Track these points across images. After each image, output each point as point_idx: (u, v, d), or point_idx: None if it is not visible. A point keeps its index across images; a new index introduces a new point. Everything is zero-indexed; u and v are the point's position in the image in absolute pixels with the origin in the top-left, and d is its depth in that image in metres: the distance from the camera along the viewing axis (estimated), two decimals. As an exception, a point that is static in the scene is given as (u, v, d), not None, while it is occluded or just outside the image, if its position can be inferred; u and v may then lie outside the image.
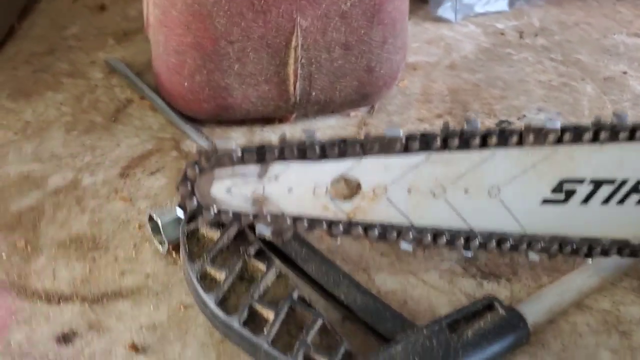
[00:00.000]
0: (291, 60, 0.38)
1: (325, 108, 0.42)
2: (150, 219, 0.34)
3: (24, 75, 0.49)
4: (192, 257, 0.30)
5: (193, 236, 0.32)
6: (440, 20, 0.59)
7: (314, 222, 0.25)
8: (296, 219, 0.25)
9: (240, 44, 0.37)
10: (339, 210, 0.25)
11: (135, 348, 0.30)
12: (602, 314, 0.33)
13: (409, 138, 0.24)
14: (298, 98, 0.40)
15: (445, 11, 0.58)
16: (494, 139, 0.24)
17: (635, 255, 0.29)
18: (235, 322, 0.28)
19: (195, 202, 0.25)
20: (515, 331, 0.30)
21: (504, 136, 0.26)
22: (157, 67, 0.43)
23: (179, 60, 0.40)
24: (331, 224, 0.25)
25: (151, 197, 0.38)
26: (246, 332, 0.28)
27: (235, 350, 0.30)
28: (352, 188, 0.25)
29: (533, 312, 0.30)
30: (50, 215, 0.37)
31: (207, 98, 0.40)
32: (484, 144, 0.24)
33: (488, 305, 0.30)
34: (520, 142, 0.24)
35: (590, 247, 0.28)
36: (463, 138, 0.24)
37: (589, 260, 0.31)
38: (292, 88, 0.40)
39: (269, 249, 0.31)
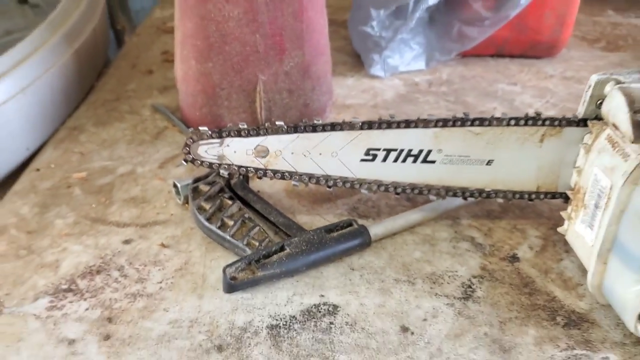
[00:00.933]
0: (257, 99, 0.66)
1: (281, 128, 0.69)
2: (174, 185, 0.61)
3: (102, 113, 0.78)
4: (194, 199, 0.57)
5: (195, 190, 0.59)
6: (374, 77, 0.86)
7: (247, 169, 0.52)
8: (239, 166, 0.52)
9: (227, 90, 0.65)
10: (259, 163, 0.51)
11: (163, 245, 0.57)
12: (423, 235, 0.58)
13: (289, 127, 0.51)
14: (263, 121, 0.68)
15: (376, 70, 0.84)
16: (328, 127, 0.51)
17: (421, 193, 0.54)
18: (214, 227, 0.54)
19: (190, 157, 0.52)
20: (362, 236, 0.55)
21: (336, 125, 0.52)
22: (182, 105, 0.71)
23: (193, 100, 0.67)
24: (256, 170, 0.52)
25: (175, 178, 0.65)
26: (218, 231, 0.54)
27: (214, 244, 0.56)
28: (265, 151, 0.51)
29: (375, 228, 0.56)
30: (118, 187, 0.65)
31: (210, 122, 0.67)
32: (325, 130, 0.51)
33: (349, 223, 0.56)
34: (342, 129, 0.51)
35: (395, 188, 0.54)
36: (315, 126, 0.51)
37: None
38: (259, 116, 0.67)
39: (235, 196, 0.58)
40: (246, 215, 0.55)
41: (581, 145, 0.50)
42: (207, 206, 0.56)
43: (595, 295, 0.49)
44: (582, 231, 0.50)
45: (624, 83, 0.48)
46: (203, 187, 0.58)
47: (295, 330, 0.48)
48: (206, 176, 0.58)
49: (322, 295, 0.51)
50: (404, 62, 0.84)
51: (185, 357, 0.45)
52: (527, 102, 0.79)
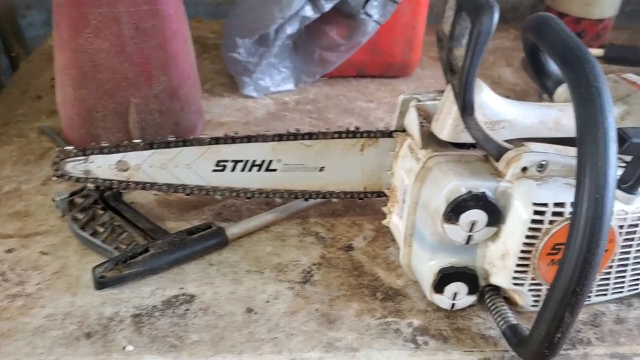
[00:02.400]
0: (131, 120, 0.74)
1: (155, 145, 0.77)
2: (53, 199, 0.68)
3: (-11, 137, 0.84)
4: (70, 210, 0.65)
5: (71, 203, 0.66)
6: (248, 97, 0.96)
7: (112, 182, 0.60)
8: (104, 180, 0.60)
9: (102, 113, 0.72)
10: (122, 176, 0.60)
11: (43, 253, 0.63)
12: (276, 233, 0.68)
13: (146, 143, 0.60)
14: (138, 139, 0.76)
15: (249, 91, 0.93)
16: (181, 143, 0.60)
17: (267, 197, 0.64)
18: (86, 234, 0.62)
19: (59, 173, 0.59)
20: (219, 236, 0.64)
21: (187, 141, 0.61)
22: (63, 127, 0.78)
23: (72, 122, 0.74)
24: (120, 182, 0.60)
25: (56, 193, 0.72)
26: (90, 238, 0.61)
27: (89, 250, 0.63)
28: (126, 165, 0.60)
29: (231, 229, 0.65)
30: (4, 203, 0.71)
31: (88, 142, 0.73)
32: (178, 145, 0.60)
33: (208, 225, 0.65)
34: (193, 144, 0.60)
35: (245, 193, 0.63)
36: (169, 142, 0.60)
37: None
38: (134, 135, 0.75)
39: (107, 206, 0.66)
40: (116, 223, 0.63)
41: (392, 153, 0.61)
42: (81, 216, 0.63)
43: (407, 273, 0.60)
44: (397, 222, 0.61)
45: (421, 101, 0.60)
46: (78, 200, 0.65)
47: (155, 317, 0.56)
48: (81, 190, 0.65)
49: (182, 288, 0.59)
50: (275, 83, 0.94)
51: (57, 344, 0.53)
52: (380, 117, 0.91)
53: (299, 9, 0.83)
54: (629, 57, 1.07)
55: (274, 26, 0.82)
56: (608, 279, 0.56)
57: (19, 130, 0.84)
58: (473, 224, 0.52)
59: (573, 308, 0.45)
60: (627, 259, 0.55)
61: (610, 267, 0.55)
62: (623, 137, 0.47)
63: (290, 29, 0.85)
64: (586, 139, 0.44)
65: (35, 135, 0.83)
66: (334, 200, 0.65)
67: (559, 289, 0.45)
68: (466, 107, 0.48)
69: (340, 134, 0.61)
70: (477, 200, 0.51)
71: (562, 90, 0.63)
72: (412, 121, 0.58)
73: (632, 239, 0.53)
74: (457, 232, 0.52)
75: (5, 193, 0.71)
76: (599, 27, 1.09)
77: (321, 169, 0.63)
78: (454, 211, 0.51)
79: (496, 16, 0.45)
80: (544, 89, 0.65)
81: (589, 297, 0.57)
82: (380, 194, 0.65)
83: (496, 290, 0.56)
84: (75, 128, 0.73)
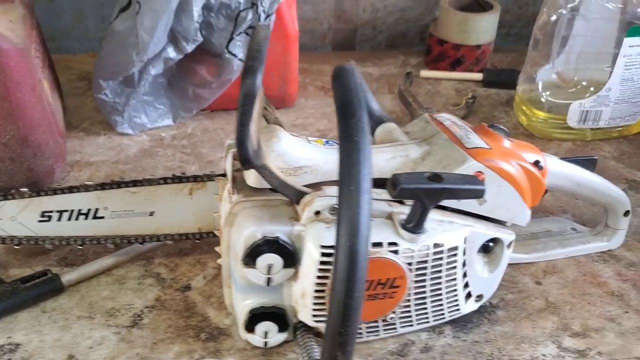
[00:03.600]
0: (-19, 169, 0.75)
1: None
2: None
3: None
4: None
5: None
6: (124, 134, 0.97)
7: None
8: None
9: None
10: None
11: None
12: (117, 276, 0.69)
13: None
14: (-9, 186, 0.77)
15: (124, 129, 0.95)
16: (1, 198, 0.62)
17: (99, 243, 0.66)
18: None
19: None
20: (53, 283, 0.65)
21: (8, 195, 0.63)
22: None
23: None
24: None
25: None
26: None
27: None
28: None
29: (68, 275, 0.66)
30: None
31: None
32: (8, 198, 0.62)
33: (44, 273, 0.66)
34: (14, 197, 0.62)
35: (75, 241, 0.65)
36: None
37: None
38: (-15, 182, 0.76)
39: None
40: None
41: (215, 196, 0.64)
42: None
43: (232, 313, 0.62)
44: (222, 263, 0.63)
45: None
46: None
47: (-24, 368, 0.57)
48: None
49: (9, 337, 0.61)
50: (151, 120, 0.95)
51: None
52: (251, 150, 0.93)
53: (160, 51, 0.85)
54: (505, 80, 1.11)
55: (134, 69, 0.84)
56: (409, 311, 0.59)
57: None
58: (270, 267, 0.54)
59: (343, 347, 0.47)
60: (424, 292, 0.58)
61: (408, 300, 0.58)
62: (395, 183, 0.51)
63: (154, 70, 0.87)
64: (342, 190, 0.46)
65: None
66: (169, 242, 0.67)
67: (328, 331, 0.47)
68: (243, 162, 0.50)
69: (166, 180, 0.64)
70: (270, 244, 0.54)
71: (380, 131, 0.66)
72: (227, 167, 0.61)
73: (424, 274, 0.56)
74: (256, 275, 0.55)
75: None
76: (477, 53, 1.14)
77: (151, 214, 0.65)
78: (249, 256, 0.54)
79: (259, 79, 0.48)
80: (368, 128, 0.68)
81: (393, 328, 0.60)
82: (214, 234, 0.67)
83: (308, 326, 0.59)
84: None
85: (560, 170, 0.67)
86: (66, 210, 0.62)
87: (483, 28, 1.12)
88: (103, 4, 1.17)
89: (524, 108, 1.00)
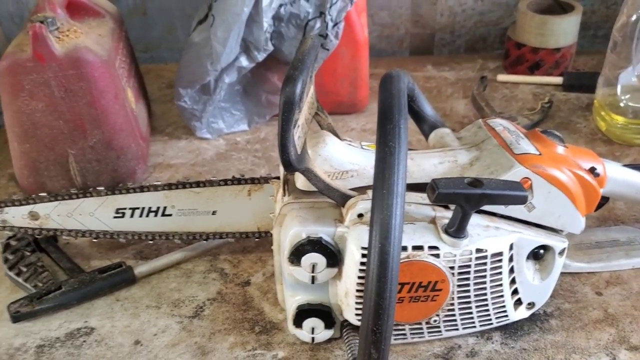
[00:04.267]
0: (71, 169, 0.83)
1: (96, 189, 0.86)
2: (-2, 241, 0.78)
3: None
4: (3, 252, 0.74)
5: (7, 245, 0.76)
6: (203, 139, 1.04)
7: (26, 229, 0.69)
8: (19, 227, 0.69)
9: (45, 164, 0.82)
10: (35, 224, 0.69)
11: (-20, 290, 0.73)
12: (185, 270, 0.75)
13: (51, 195, 0.69)
14: (80, 186, 0.85)
15: (202, 133, 1.01)
16: (81, 195, 0.68)
17: (168, 239, 0.71)
18: (12, 273, 0.71)
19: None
20: (126, 274, 0.71)
21: (87, 192, 0.69)
22: (16, 176, 0.88)
23: (21, 172, 0.84)
24: (33, 229, 0.69)
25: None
26: (15, 277, 0.71)
27: (15, 287, 0.72)
28: (37, 215, 0.69)
29: (140, 267, 0.72)
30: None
31: (36, 189, 0.83)
32: (79, 197, 0.68)
33: (119, 264, 0.73)
34: (92, 195, 0.68)
35: (146, 236, 0.71)
36: (71, 194, 0.69)
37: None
38: (75, 181, 0.84)
39: (37, 248, 0.75)
40: (39, 264, 0.72)
41: (271, 197, 0.68)
42: (11, 257, 0.73)
43: (284, 308, 0.66)
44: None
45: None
46: (12, 242, 0.75)
47: (55, 347, 0.64)
48: (15, 234, 0.75)
49: (86, 322, 0.67)
50: (228, 125, 1.01)
51: (-35, 370, 0.62)
52: (319, 154, 0.96)
53: (233, 60, 0.90)
54: (587, 83, 1.07)
55: (209, 78, 0.90)
56: (453, 315, 0.59)
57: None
58: (314, 266, 0.57)
59: (377, 345, 0.49)
60: (468, 296, 0.58)
61: (452, 304, 0.58)
62: (433, 188, 0.52)
63: (228, 79, 0.93)
64: (376, 193, 0.49)
65: (5, 181, 0.94)
66: (231, 240, 0.72)
67: (362, 329, 0.50)
68: (286, 166, 0.53)
69: (226, 182, 0.68)
70: (313, 244, 0.56)
71: (433, 136, 0.67)
72: (281, 170, 0.64)
73: (467, 279, 0.57)
74: (301, 273, 0.57)
75: None
76: (556, 56, 1.11)
77: (214, 213, 0.69)
78: (294, 254, 0.57)
79: (299, 87, 0.51)
80: (422, 132, 0.69)
81: (438, 331, 0.60)
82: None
83: (353, 324, 0.61)
84: (24, 177, 0.83)
85: (622, 177, 0.65)
86: (138, 208, 0.68)
87: (562, 30, 1.09)
88: (191, 16, 1.25)
89: (602, 113, 0.97)
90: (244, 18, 0.85)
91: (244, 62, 0.92)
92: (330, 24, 0.90)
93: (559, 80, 1.11)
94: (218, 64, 0.88)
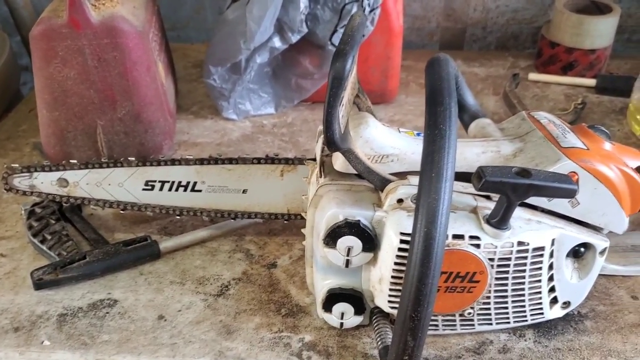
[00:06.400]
0: (99, 140, 0.82)
1: (121, 162, 0.85)
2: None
3: (-8, 150, 0.95)
4: (28, 219, 0.73)
5: (32, 212, 0.74)
6: (228, 119, 1.02)
7: (54, 196, 0.68)
8: (47, 194, 0.68)
9: (73, 133, 0.81)
10: (63, 191, 0.68)
11: (2, 255, 0.72)
12: (210, 248, 0.73)
13: (81, 163, 0.67)
14: (106, 158, 0.84)
15: (229, 114, 1.00)
16: (112, 164, 0.67)
17: (195, 215, 0.70)
18: (36, 240, 0.70)
19: (8, 187, 0.68)
20: (151, 249, 0.70)
21: (117, 162, 0.68)
22: (43, 144, 0.86)
23: (48, 140, 0.82)
24: (61, 197, 0.68)
25: (27, 203, 0.81)
26: (39, 244, 0.69)
27: (38, 255, 0.71)
28: (65, 182, 0.68)
29: (165, 242, 0.71)
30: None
31: (62, 158, 0.82)
32: (109, 166, 0.67)
33: (144, 238, 0.72)
34: (122, 165, 0.67)
35: (174, 211, 0.70)
36: (102, 163, 0.67)
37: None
38: (102, 152, 0.83)
39: (62, 217, 0.74)
40: (64, 232, 0.71)
41: (304, 179, 0.66)
42: (35, 224, 0.72)
43: (312, 292, 0.64)
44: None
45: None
46: (37, 210, 0.73)
47: (78, 317, 0.63)
48: (41, 201, 0.74)
49: (109, 293, 0.66)
50: (255, 107, 1.00)
51: (-13, 335, 0.61)
52: (346, 142, 0.95)
53: (266, 40, 0.89)
54: (621, 87, 1.05)
55: (241, 56, 0.89)
56: (488, 308, 0.58)
57: (16, 145, 0.94)
58: (349, 249, 0.55)
59: (414, 332, 0.48)
60: (505, 290, 0.57)
61: (488, 297, 0.57)
62: (480, 175, 0.50)
63: (260, 59, 0.91)
64: (423, 176, 0.47)
65: (29, 149, 0.93)
66: (259, 220, 0.70)
67: (400, 315, 0.48)
68: (330, 144, 0.52)
69: (259, 160, 0.66)
70: (350, 227, 0.55)
71: (474, 125, 0.66)
72: (317, 151, 0.63)
73: (506, 272, 0.55)
74: (336, 256, 0.56)
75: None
76: (591, 57, 1.09)
77: (244, 191, 0.68)
78: (330, 236, 0.55)
79: (349, 62, 0.49)
80: (462, 122, 0.68)
81: (471, 324, 0.59)
82: (302, 217, 0.70)
83: (384, 312, 0.59)
84: (51, 145, 0.82)
85: (667, 180, 0.63)
86: (167, 181, 0.67)
87: (599, 32, 1.07)
88: (220, -4, 1.24)
89: (638, 117, 0.95)
90: (282, -3, 0.83)
91: (277, 42, 0.91)
92: (367, 9, 0.88)
93: (592, 82, 1.09)
94: (251, 42, 0.87)
